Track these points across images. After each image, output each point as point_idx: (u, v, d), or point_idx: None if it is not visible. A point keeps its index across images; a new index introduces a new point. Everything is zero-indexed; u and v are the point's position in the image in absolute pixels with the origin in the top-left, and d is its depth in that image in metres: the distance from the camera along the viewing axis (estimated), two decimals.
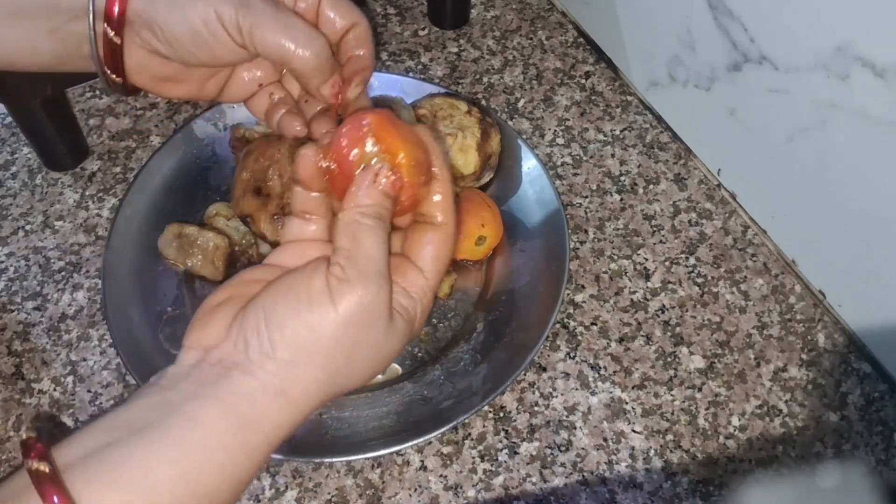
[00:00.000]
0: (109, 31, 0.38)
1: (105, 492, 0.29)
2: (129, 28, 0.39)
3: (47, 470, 0.29)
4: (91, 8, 0.37)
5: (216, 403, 0.32)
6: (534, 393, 0.53)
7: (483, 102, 0.69)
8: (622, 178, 0.64)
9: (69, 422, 0.52)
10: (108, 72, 0.40)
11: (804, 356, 0.55)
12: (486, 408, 0.52)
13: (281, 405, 0.33)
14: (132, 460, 0.30)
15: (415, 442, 0.48)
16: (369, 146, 0.35)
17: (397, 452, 0.50)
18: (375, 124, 0.35)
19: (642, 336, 0.56)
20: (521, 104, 0.69)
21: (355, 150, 0.35)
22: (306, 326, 0.33)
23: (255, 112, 0.45)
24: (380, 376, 0.53)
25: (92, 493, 0.29)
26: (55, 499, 0.28)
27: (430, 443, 0.51)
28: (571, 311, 0.57)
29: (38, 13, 0.38)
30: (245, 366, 0.33)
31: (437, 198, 0.37)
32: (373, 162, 0.35)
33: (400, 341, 0.36)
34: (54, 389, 0.53)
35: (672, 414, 0.52)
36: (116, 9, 0.37)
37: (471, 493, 0.49)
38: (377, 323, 0.34)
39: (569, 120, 0.68)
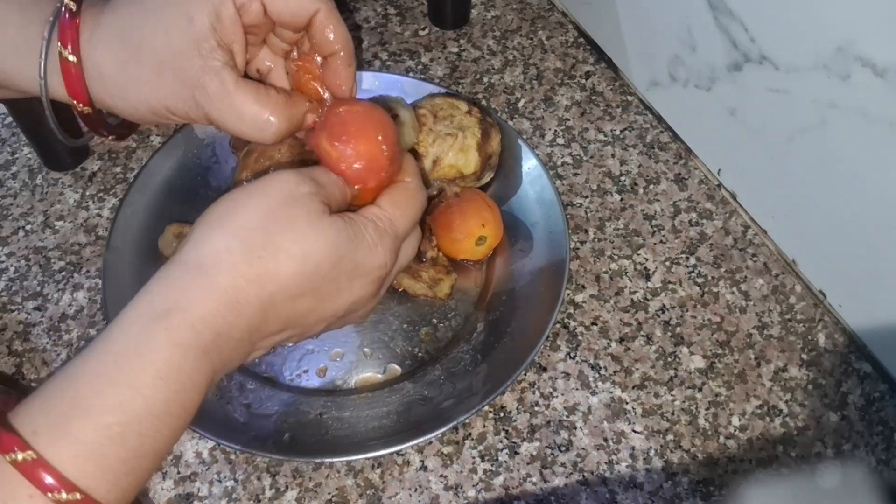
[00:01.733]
0: (77, 106, 0.41)
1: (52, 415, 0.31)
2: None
3: None
4: (44, 97, 0.40)
5: (139, 300, 0.34)
6: (534, 393, 0.53)
7: (483, 102, 0.69)
8: (622, 178, 0.64)
9: None
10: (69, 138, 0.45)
11: (804, 356, 0.55)
12: (486, 408, 0.52)
13: (201, 284, 0.34)
14: (79, 388, 0.31)
15: (415, 442, 0.48)
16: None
17: (397, 452, 0.50)
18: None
19: (642, 336, 0.56)
20: (521, 104, 0.69)
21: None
22: (226, 198, 0.36)
23: None
24: (379, 375, 0.53)
25: (37, 418, 0.31)
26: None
27: (430, 443, 0.51)
28: (572, 311, 0.57)
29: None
30: (172, 258, 0.35)
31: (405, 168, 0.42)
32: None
33: (342, 241, 0.36)
34: None
35: (672, 414, 0.52)
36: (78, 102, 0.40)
37: (471, 493, 0.49)
38: (299, 198, 0.36)
39: (569, 120, 0.68)
